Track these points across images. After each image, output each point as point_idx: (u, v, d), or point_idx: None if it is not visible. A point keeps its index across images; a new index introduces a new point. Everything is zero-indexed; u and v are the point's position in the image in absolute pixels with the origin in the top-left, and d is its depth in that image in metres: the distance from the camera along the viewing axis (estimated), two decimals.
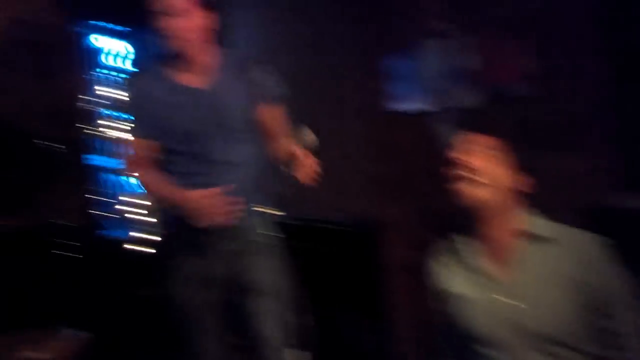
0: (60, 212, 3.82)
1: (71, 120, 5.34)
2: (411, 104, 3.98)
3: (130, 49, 5.99)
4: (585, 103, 3.28)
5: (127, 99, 2.59)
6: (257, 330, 2.53)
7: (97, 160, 5.63)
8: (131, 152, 2.57)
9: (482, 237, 1.77)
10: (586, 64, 3.27)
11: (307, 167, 2.26)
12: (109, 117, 5.87)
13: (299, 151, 2.28)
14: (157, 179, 2.45)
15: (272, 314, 2.56)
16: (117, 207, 5.59)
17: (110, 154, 5.75)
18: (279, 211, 2.72)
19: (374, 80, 4.15)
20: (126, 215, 5.59)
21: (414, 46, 3.86)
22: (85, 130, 5.45)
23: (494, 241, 1.73)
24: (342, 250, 4.00)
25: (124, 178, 5.85)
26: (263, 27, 5.67)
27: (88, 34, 5.85)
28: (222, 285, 2.57)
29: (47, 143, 3.58)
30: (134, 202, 5.64)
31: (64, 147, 4.52)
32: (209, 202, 2.26)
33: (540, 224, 1.75)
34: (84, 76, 5.67)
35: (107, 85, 5.92)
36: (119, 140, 5.63)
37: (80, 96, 5.60)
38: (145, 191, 2.66)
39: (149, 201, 5.08)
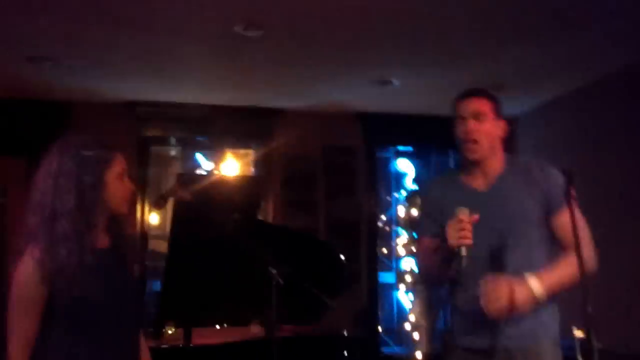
0: (347, 323, 4.04)
1: (366, 237, 5.71)
2: None
3: (414, 167, 6.33)
4: None
5: (420, 201, 2.73)
6: None
7: (385, 276, 5.92)
8: (420, 251, 2.62)
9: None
10: None
11: None
12: (401, 236, 6.17)
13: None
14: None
15: None
16: (400, 323, 5.76)
17: (398, 271, 6.01)
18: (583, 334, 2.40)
19: None
20: (408, 332, 5.70)
21: None
22: (378, 247, 5.79)
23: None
24: None
25: (407, 295, 6.02)
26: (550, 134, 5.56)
27: (390, 158, 6.33)
28: None
29: (341, 256, 3.87)
30: (416, 321, 5.76)
31: (355, 261, 4.83)
32: (501, 289, 2.18)
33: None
34: (381, 196, 6.04)
35: (402, 205, 6.29)
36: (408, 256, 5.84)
37: (377, 215, 5.95)
38: (433, 277, 2.64)
39: (429, 320, 5.12)
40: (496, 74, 4.92)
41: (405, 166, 6.45)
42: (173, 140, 5.95)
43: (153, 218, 5.72)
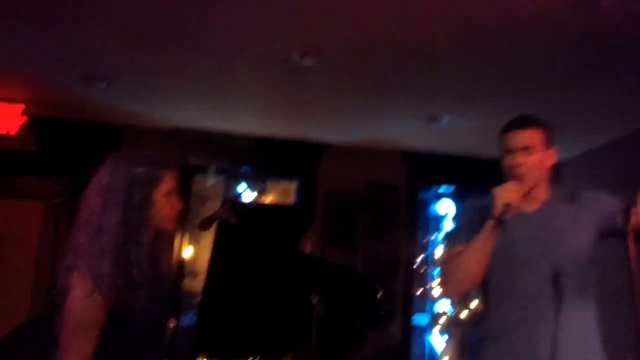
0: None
1: (403, 277, 5.62)
2: None
3: (455, 207, 6.21)
4: None
5: (460, 212, 2.57)
6: None
7: (418, 318, 5.80)
8: (450, 258, 2.37)
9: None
10: None
11: None
12: (436, 278, 6.05)
13: None
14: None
15: None
16: None
17: (432, 313, 5.89)
18: None
19: None
20: None
21: None
22: (415, 289, 5.68)
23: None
24: None
25: (442, 337, 5.89)
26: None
27: (431, 198, 6.25)
28: None
29: (378, 291, 3.79)
30: None
31: (390, 300, 4.73)
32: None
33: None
34: (419, 237, 5.95)
35: (439, 246, 6.19)
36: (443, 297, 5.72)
37: (414, 255, 5.86)
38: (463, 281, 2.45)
39: None
40: (546, 117, 4.82)
41: (445, 207, 6.35)
42: (216, 170, 5.96)
43: (187, 252, 5.74)
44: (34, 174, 5.37)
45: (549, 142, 2.36)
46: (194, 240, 6.50)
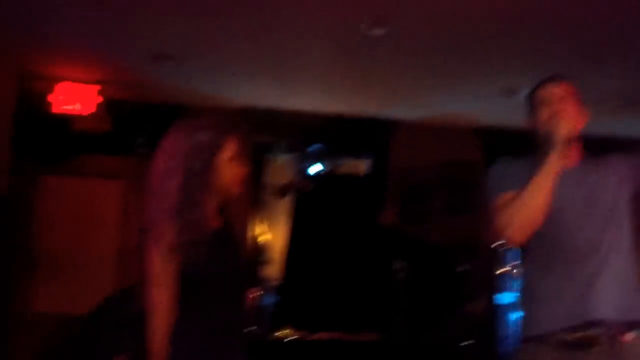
0: (463, 340, 3.84)
1: (485, 256, 5.49)
2: None
3: None
4: None
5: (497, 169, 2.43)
6: None
7: (504, 297, 5.63)
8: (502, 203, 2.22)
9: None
10: None
11: None
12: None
13: None
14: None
15: None
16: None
17: (516, 291, 5.71)
18: None
19: None
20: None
21: None
22: (497, 267, 5.52)
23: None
24: None
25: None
26: None
27: None
28: None
29: (462, 270, 3.68)
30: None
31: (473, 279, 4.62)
32: None
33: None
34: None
35: None
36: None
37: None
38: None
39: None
40: (633, 89, 4.60)
41: None
42: (286, 149, 5.91)
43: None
44: (110, 153, 5.46)
45: (579, 101, 2.29)
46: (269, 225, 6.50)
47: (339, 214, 3.11)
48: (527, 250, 2.27)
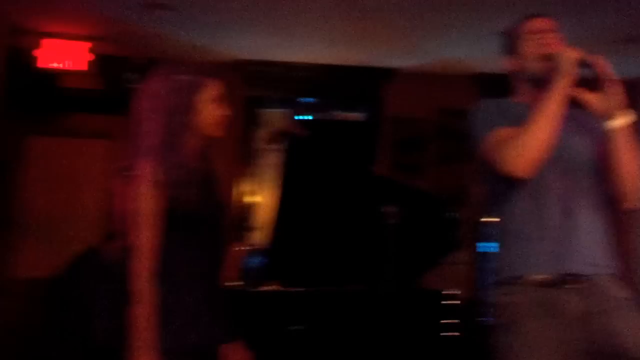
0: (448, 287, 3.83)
1: (475, 204, 5.49)
2: None
3: None
4: None
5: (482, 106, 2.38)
6: None
7: (485, 246, 5.63)
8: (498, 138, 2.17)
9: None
10: None
11: None
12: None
13: None
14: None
15: None
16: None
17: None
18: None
19: None
20: None
21: None
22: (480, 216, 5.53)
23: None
24: None
25: None
26: None
27: None
28: (581, 353, 2.12)
29: (451, 218, 3.66)
30: None
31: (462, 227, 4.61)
32: None
33: None
34: None
35: None
36: None
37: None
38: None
39: None
40: (631, 25, 4.51)
41: None
42: (280, 101, 5.85)
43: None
44: (105, 112, 5.36)
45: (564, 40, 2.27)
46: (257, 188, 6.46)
47: (332, 160, 3.06)
48: (505, 193, 2.23)
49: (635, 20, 4.44)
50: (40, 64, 5.06)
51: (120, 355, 1.90)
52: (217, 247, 2.18)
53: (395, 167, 5.54)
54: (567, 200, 2.18)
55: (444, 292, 3.56)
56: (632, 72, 5.54)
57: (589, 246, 2.18)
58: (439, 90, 5.63)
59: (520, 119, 2.11)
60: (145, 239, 1.97)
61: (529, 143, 2.07)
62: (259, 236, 5.24)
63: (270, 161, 5.07)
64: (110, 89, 5.27)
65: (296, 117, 5.10)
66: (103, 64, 5.24)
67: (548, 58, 2.17)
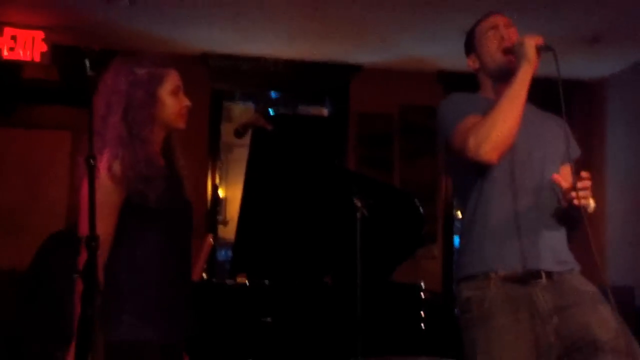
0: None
1: (442, 200, 5.54)
2: None
3: None
4: None
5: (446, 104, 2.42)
6: None
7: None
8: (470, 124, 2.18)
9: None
10: None
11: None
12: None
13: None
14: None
15: None
16: None
17: None
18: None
19: None
20: None
21: None
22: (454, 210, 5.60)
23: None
24: None
25: None
26: None
27: None
28: (552, 347, 2.15)
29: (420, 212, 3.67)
30: None
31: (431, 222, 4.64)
32: None
33: None
34: None
35: None
36: None
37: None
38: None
39: None
40: (593, 26, 4.59)
41: None
42: (244, 96, 5.81)
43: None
44: (60, 103, 5.24)
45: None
46: (226, 182, 6.42)
47: (298, 154, 3.04)
48: (473, 187, 2.24)
49: (600, 20, 4.53)
50: None
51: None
52: (185, 242, 2.16)
53: (362, 163, 5.56)
54: (536, 195, 2.20)
55: (419, 286, 3.57)
56: (597, 72, 5.67)
57: (557, 242, 2.21)
58: (403, 86, 5.66)
59: (486, 112, 2.13)
60: (100, 232, 1.89)
61: (496, 126, 2.08)
62: (228, 229, 5.20)
63: (238, 155, 5.05)
64: (67, 80, 5.15)
65: (262, 111, 5.06)
66: (59, 54, 5.09)
67: (510, 50, 2.21)
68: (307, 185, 3.20)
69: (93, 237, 1.67)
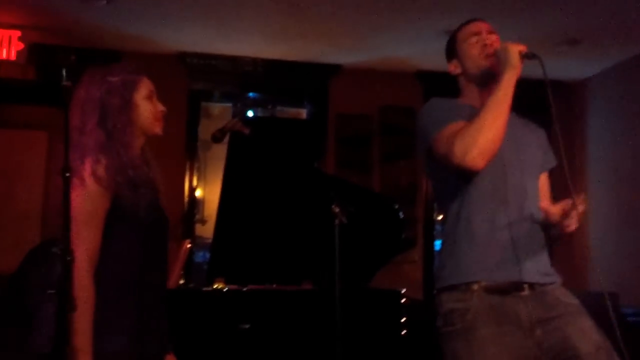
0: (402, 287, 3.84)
1: (422, 202, 5.52)
2: None
3: None
4: None
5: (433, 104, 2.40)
6: None
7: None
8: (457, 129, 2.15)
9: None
10: None
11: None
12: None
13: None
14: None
15: None
16: None
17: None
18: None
19: None
20: None
21: None
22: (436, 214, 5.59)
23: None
24: None
25: None
26: None
27: None
28: (536, 359, 2.15)
29: (399, 216, 3.65)
30: None
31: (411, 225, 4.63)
32: None
33: None
34: None
35: None
36: None
37: None
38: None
39: None
40: (573, 28, 4.60)
41: None
42: (223, 96, 5.75)
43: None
44: (36, 103, 5.15)
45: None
46: (204, 182, 6.35)
47: (277, 156, 3.01)
48: (456, 193, 2.20)
49: (577, 22, 4.54)
50: None
51: None
52: (162, 253, 2.16)
53: (341, 164, 5.54)
54: (518, 205, 2.18)
55: (399, 292, 3.56)
56: (578, 74, 5.70)
57: (540, 254, 2.20)
58: (382, 87, 5.64)
59: (469, 119, 2.10)
60: (85, 242, 1.92)
61: (483, 132, 2.05)
62: (206, 228, 5.14)
63: (216, 153, 4.99)
64: (43, 79, 5.07)
65: (240, 115, 5.04)
66: (36, 53, 5.03)
67: (493, 55, 2.19)
68: (286, 189, 3.17)
69: (68, 252, 1.65)
